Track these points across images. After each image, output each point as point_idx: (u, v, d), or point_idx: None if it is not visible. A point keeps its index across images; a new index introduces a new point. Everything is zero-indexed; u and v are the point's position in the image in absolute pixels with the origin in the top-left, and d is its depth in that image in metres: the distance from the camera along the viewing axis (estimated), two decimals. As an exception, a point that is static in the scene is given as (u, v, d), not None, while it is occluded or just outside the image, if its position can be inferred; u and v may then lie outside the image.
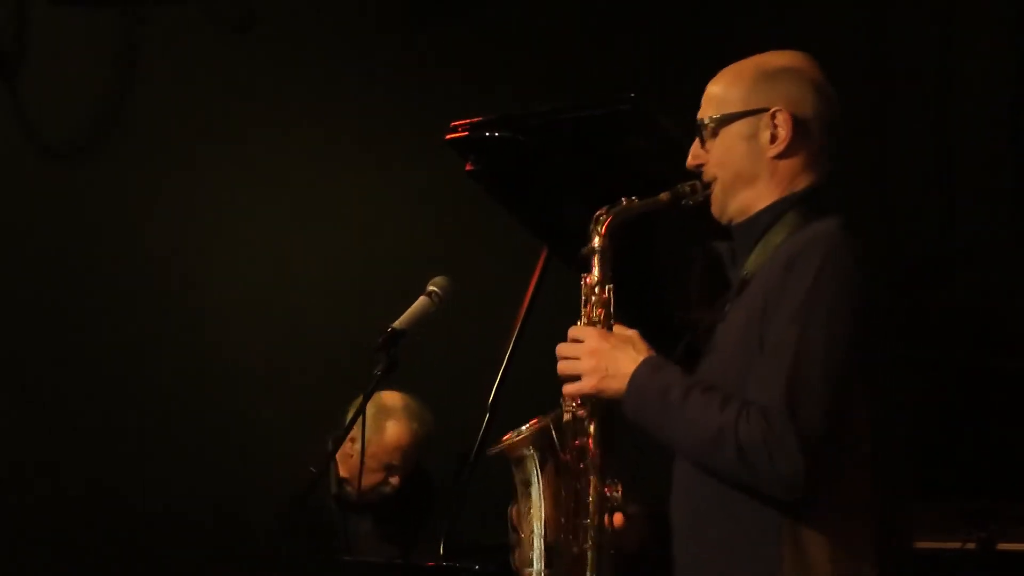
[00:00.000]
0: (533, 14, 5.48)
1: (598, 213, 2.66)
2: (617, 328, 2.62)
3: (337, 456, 4.32)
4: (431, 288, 3.39)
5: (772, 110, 2.58)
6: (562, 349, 2.61)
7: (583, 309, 2.66)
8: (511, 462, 2.67)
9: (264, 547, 4.24)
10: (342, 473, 4.32)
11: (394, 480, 4.30)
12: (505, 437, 2.69)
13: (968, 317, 4.03)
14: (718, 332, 2.59)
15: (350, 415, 4.32)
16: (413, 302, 3.49)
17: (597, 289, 2.64)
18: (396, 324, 3.30)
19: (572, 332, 2.62)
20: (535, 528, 2.63)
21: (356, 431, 4.03)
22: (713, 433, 2.41)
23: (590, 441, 2.61)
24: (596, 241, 2.65)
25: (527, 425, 2.67)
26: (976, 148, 5.20)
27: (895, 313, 2.55)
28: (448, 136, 3.68)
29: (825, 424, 2.39)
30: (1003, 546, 3.59)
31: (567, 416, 2.62)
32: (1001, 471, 3.74)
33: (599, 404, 2.60)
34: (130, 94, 5.28)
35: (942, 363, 3.80)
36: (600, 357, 2.56)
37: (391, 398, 4.32)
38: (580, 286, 2.67)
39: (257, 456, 5.03)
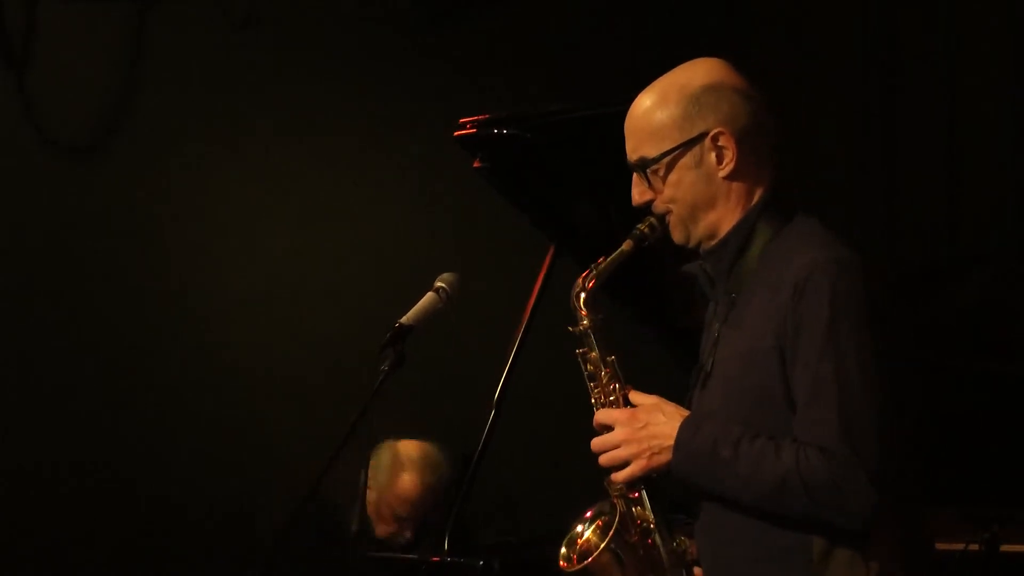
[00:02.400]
0: (541, 13, 5.49)
1: (575, 290, 2.65)
2: (635, 396, 2.61)
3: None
4: (439, 284, 3.39)
5: (712, 133, 2.56)
6: (597, 444, 2.58)
7: (592, 387, 2.64)
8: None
9: (270, 545, 4.25)
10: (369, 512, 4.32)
11: (407, 533, 4.25)
12: (570, 548, 2.67)
13: (973, 321, 4.03)
14: (716, 354, 2.59)
15: (371, 464, 4.32)
16: (421, 298, 3.50)
17: (602, 364, 2.63)
18: (404, 320, 3.29)
19: (599, 419, 2.60)
20: None
21: (373, 483, 4.15)
22: (776, 482, 2.41)
23: (648, 515, 2.61)
24: (583, 322, 2.65)
25: (587, 526, 2.66)
26: (982, 154, 5.21)
27: (897, 315, 2.54)
28: (457, 133, 3.69)
29: (887, 452, 2.41)
30: (1006, 548, 3.60)
31: (619, 503, 2.62)
32: (1005, 474, 3.75)
33: (645, 478, 2.59)
34: (137, 90, 5.28)
35: (947, 367, 3.81)
36: (639, 440, 2.54)
37: (408, 448, 4.31)
38: (579, 362, 2.65)
39: (263, 453, 5.03)
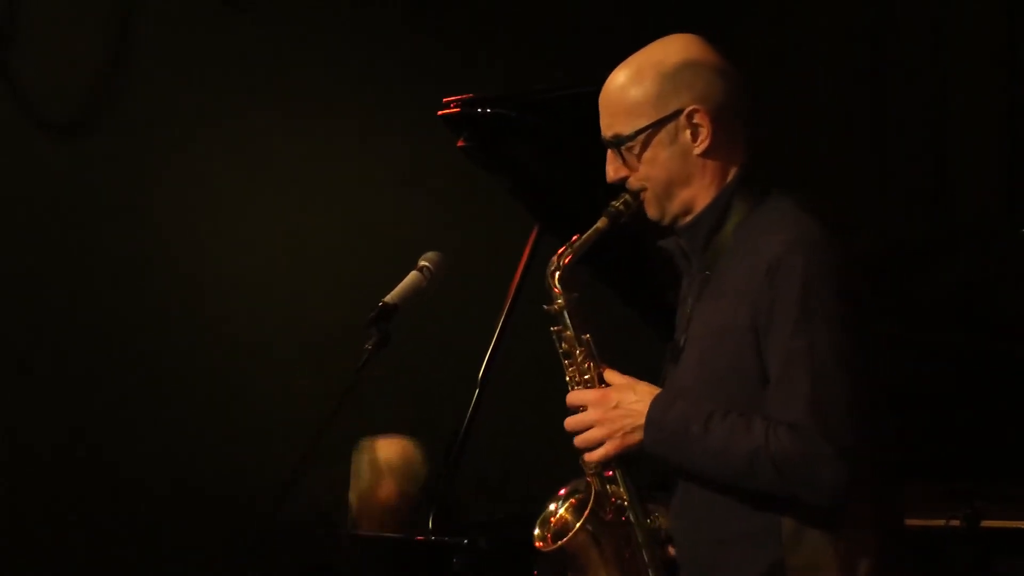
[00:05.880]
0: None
1: (550, 268, 2.65)
2: (609, 375, 2.62)
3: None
4: (423, 263, 3.39)
5: (687, 110, 2.56)
6: (571, 424, 2.60)
7: (567, 365, 2.65)
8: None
9: (258, 526, 4.25)
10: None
11: (392, 528, 4.25)
12: (544, 527, 2.67)
13: (957, 299, 4.04)
14: (689, 330, 2.60)
15: (353, 467, 4.35)
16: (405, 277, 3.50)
17: (577, 343, 2.64)
18: (387, 298, 3.30)
19: (571, 401, 2.62)
20: None
21: (354, 486, 4.24)
22: (746, 459, 2.43)
23: (622, 493, 2.62)
24: (557, 300, 2.65)
25: (561, 504, 2.67)
26: (970, 129, 5.21)
27: (870, 292, 2.55)
28: (440, 112, 3.69)
29: (857, 429, 2.42)
30: (987, 523, 3.61)
31: (594, 481, 2.63)
32: (986, 450, 3.77)
33: (619, 457, 2.60)
34: (124, 68, 5.27)
35: (929, 344, 3.82)
36: (611, 420, 2.56)
37: (388, 452, 4.32)
38: (553, 340, 2.65)
39: (250, 432, 5.04)
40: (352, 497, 4.33)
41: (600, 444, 2.57)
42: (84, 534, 5.09)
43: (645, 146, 2.59)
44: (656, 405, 2.53)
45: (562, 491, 2.68)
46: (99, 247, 5.19)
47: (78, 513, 5.08)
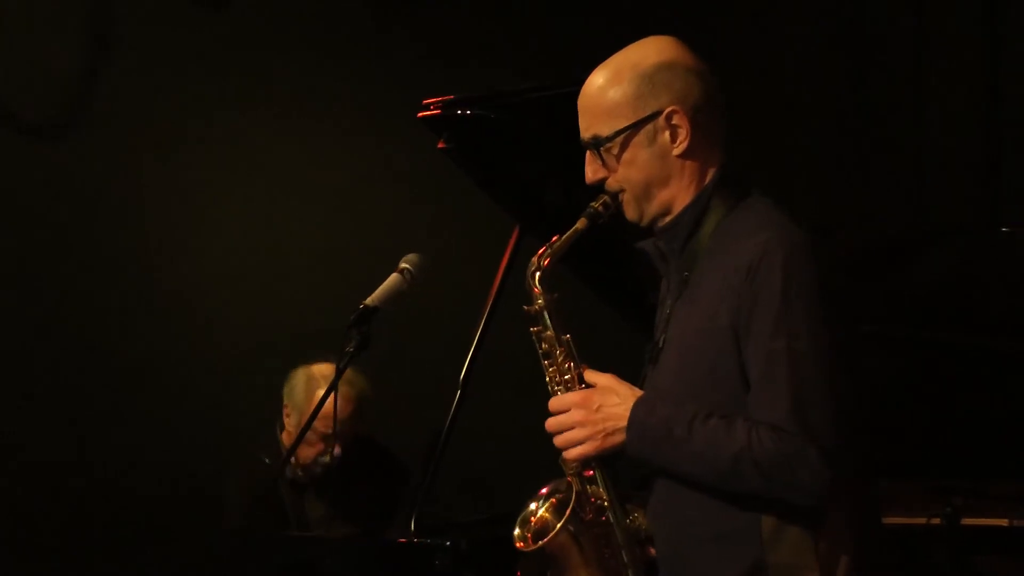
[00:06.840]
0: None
1: (530, 269, 2.65)
2: (589, 375, 2.62)
3: (283, 437, 4.36)
4: (403, 265, 3.40)
5: (665, 111, 2.56)
6: (552, 425, 2.60)
7: (547, 365, 2.64)
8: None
9: (236, 528, 4.26)
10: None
11: (334, 451, 4.26)
12: (524, 527, 2.67)
13: (937, 297, 4.06)
14: (668, 331, 2.61)
15: (285, 391, 4.37)
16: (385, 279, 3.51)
17: (557, 343, 2.64)
18: (368, 301, 3.31)
19: (553, 406, 2.61)
20: None
21: (290, 407, 4.27)
22: (729, 461, 2.44)
23: (602, 493, 2.62)
24: (538, 300, 2.65)
25: (542, 503, 2.66)
26: (949, 128, 5.24)
27: (850, 293, 2.56)
28: (420, 114, 3.69)
29: (839, 428, 2.43)
30: (968, 521, 3.63)
31: (574, 481, 2.62)
32: (966, 448, 3.78)
33: (599, 457, 2.60)
34: (106, 69, 5.27)
35: (908, 342, 3.83)
36: (593, 422, 2.56)
37: (322, 368, 4.35)
38: (533, 340, 2.65)
39: (231, 433, 5.03)
40: (287, 422, 4.35)
41: (580, 444, 2.57)
42: (77, 533, 5.09)
43: (624, 147, 2.59)
44: (638, 408, 2.53)
45: (543, 491, 2.68)
46: (81, 249, 5.19)
47: (65, 513, 5.08)
